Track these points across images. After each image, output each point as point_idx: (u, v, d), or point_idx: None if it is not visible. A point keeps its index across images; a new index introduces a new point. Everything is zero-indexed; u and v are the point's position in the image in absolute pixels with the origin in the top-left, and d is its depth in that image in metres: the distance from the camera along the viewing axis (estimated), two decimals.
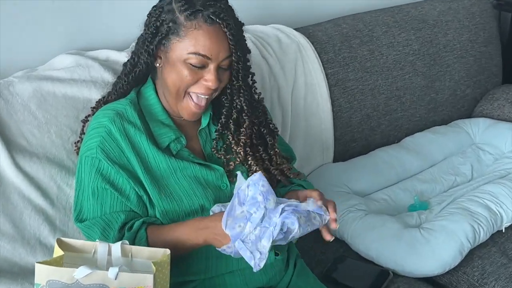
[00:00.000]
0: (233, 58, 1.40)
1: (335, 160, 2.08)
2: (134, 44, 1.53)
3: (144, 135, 1.42)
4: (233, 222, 1.26)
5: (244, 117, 1.49)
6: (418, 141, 2.19)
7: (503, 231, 1.85)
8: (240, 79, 1.44)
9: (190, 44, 1.36)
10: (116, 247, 1.24)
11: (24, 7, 1.68)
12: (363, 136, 2.14)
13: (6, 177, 1.51)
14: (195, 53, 1.35)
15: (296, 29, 2.07)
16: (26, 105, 1.57)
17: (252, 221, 1.24)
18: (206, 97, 1.41)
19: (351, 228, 1.80)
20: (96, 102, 1.56)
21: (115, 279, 1.14)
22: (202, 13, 1.35)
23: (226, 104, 1.48)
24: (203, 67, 1.37)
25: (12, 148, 1.52)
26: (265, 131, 1.53)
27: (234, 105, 1.48)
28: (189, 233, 1.34)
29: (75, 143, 1.56)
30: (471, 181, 2.05)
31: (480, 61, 2.39)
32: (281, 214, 1.24)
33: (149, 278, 1.15)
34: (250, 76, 1.51)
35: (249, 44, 1.88)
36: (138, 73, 1.48)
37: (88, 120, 1.51)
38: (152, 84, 1.49)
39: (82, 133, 1.52)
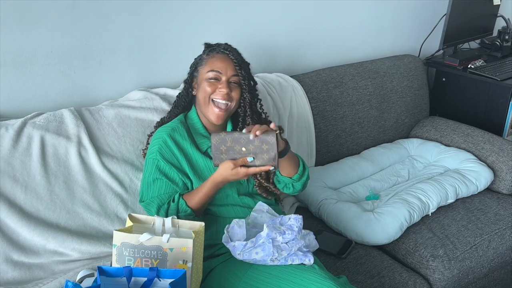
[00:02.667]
0: (240, 76, 1.40)
1: (316, 164, 2.07)
2: (169, 91, 1.58)
3: (189, 143, 1.43)
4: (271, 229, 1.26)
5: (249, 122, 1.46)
6: (372, 153, 2.17)
7: (430, 215, 1.83)
8: (247, 93, 1.42)
9: (208, 67, 1.40)
10: (168, 220, 1.25)
11: (110, 58, 1.69)
12: (335, 149, 2.13)
13: (95, 172, 1.51)
14: (211, 70, 1.39)
15: (291, 76, 2.06)
16: (110, 124, 1.58)
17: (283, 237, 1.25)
18: (223, 102, 1.39)
19: (327, 211, 1.79)
20: (157, 122, 1.56)
21: (167, 242, 1.15)
22: (216, 49, 1.42)
23: (241, 114, 1.47)
24: (217, 79, 1.39)
25: (100, 152, 1.53)
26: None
27: (247, 114, 1.46)
28: (209, 188, 1.35)
29: (142, 150, 1.56)
30: (408, 181, 2.03)
31: (415, 100, 2.38)
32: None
33: (190, 242, 1.16)
34: (258, 101, 1.50)
35: (260, 85, 1.90)
36: (184, 100, 1.50)
37: (151, 135, 1.52)
38: (195, 110, 1.49)
39: (147, 143, 1.53)
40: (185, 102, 1.51)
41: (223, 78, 1.39)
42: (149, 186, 1.40)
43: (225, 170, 1.30)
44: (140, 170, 1.57)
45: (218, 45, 1.46)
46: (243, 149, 1.26)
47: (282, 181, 1.45)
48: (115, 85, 1.73)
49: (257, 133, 1.24)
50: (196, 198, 1.36)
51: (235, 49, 1.46)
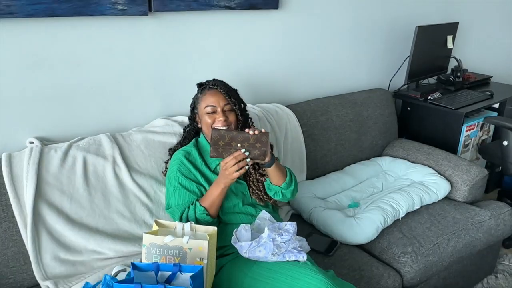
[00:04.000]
0: (231, 103, 1.41)
1: (307, 179, 2.06)
2: (186, 119, 1.59)
3: (201, 162, 1.45)
4: (272, 231, 1.27)
5: None
6: (352, 169, 2.17)
7: (400, 219, 1.84)
8: (240, 115, 1.44)
9: (204, 103, 1.42)
10: (187, 225, 1.26)
11: (137, 92, 1.71)
12: (322, 165, 2.13)
13: (127, 185, 1.53)
14: (207, 106, 1.40)
15: (286, 106, 2.07)
16: (138, 146, 1.60)
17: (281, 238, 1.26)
18: (224, 127, 1.40)
19: (316, 217, 1.79)
20: (170, 149, 1.58)
21: (187, 243, 1.17)
22: (207, 87, 1.43)
23: None
24: (214, 112, 1.40)
25: (130, 169, 1.55)
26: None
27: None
28: (214, 188, 1.34)
29: (162, 172, 1.57)
30: (382, 191, 2.03)
31: (386, 125, 2.39)
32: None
33: (205, 243, 1.17)
34: (250, 119, 1.52)
35: (259, 113, 1.92)
36: (190, 132, 1.52)
37: (168, 162, 1.54)
38: (203, 135, 1.52)
39: (166, 168, 1.54)
40: (192, 135, 1.54)
41: (218, 109, 1.41)
42: (174, 196, 1.42)
43: (220, 172, 1.33)
44: (163, 184, 1.58)
45: (207, 82, 1.46)
46: (239, 145, 1.29)
47: (272, 188, 1.47)
48: (142, 114, 1.75)
49: (255, 132, 1.28)
50: (206, 198, 1.37)
51: (222, 81, 1.47)
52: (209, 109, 1.41)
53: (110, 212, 1.48)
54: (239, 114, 1.44)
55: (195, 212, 1.35)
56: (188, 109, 1.59)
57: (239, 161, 1.29)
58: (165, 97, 1.80)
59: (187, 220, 1.37)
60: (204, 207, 1.35)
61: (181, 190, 1.41)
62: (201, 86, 1.48)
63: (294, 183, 1.47)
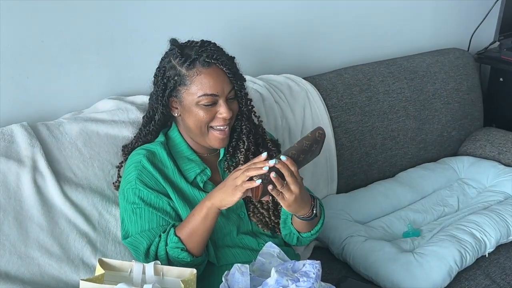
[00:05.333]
0: (236, 88, 1.43)
1: (338, 191, 2.08)
2: (147, 100, 1.57)
3: (173, 171, 1.46)
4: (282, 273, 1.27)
5: (244, 139, 1.51)
6: (410, 176, 2.18)
7: (487, 256, 1.83)
8: (244, 104, 1.47)
9: (197, 89, 1.40)
10: (150, 267, 1.25)
11: (73, 59, 1.71)
12: (362, 171, 2.14)
13: (55, 204, 1.52)
14: (204, 95, 1.39)
15: (304, 78, 2.08)
16: (74, 143, 1.59)
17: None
18: (225, 126, 1.43)
19: (353, 251, 1.79)
20: (123, 147, 1.59)
21: None
22: (198, 60, 1.40)
23: (237, 129, 1.51)
24: (214, 104, 1.41)
25: (60, 179, 1.54)
26: (262, 151, 1.52)
27: (244, 127, 1.51)
28: (198, 208, 1.35)
29: (113, 183, 1.58)
30: (457, 212, 2.04)
31: (464, 107, 2.40)
32: None
33: None
34: (249, 101, 1.53)
35: (263, 90, 1.94)
36: (158, 122, 1.52)
37: (122, 166, 1.55)
38: (176, 128, 1.52)
39: (119, 176, 1.55)
40: (159, 126, 1.53)
41: (221, 100, 1.41)
42: (134, 220, 1.42)
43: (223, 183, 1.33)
44: (113, 202, 1.58)
45: (196, 51, 1.41)
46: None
47: (288, 227, 1.49)
48: (79, 93, 1.74)
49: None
50: (185, 224, 1.36)
51: (219, 48, 1.45)
52: (206, 100, 1.40)
53: (28, 248, 1.47)
54: (244, 103, 1.46)
55: (166, 243, 1.37)
56: (151, 84, 1.57)
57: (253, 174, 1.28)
58: (116, 66, 1.79)
59: (156, 258, 1.37)
60: (179, 237, 1.36)
61: (145, 209, 1.41)
62: (184, 53, 1.43)
63: (322, 226, 1.49)
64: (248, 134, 1.51)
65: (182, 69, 1.41)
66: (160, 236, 1.39)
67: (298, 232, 1.48)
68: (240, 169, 1.30)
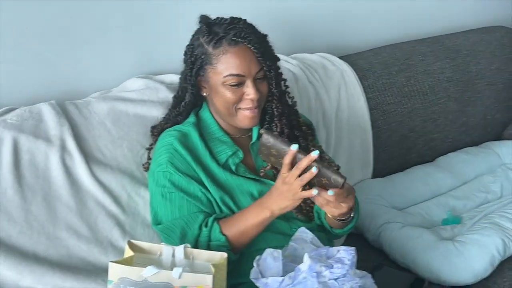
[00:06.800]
0: (265, 69, 1.42)
1: (374, 176, 2.07)
2: (177, 79, 1.58)
3: (205, 154, 1.46)
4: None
5: (276, 121, 1.50)
6: (451, 161, 2.16)
7: None
8: (274, 86, 1.46)
9: (223, 69, 1.40)
10: (179, 250, 1.26)
11: (101, 36, 1.73)
12: (401, 155, 2.13)
13: (84, 185, 1.54)
14: (230, 75, 1.39)
15: (340, 57, 2.07)
16: (102, 122, 1.60)
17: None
18: (254, 108, 1.43)
19: (389, 239, 1.79)
20: (152, 128, 1.59)
21: (179, 278, 1.16)
22: (225, 38, 1.40)
23: (269, 111, 1.50)
24: (241, 84, 1.40)
25: (89, 160, 1.56)
26: (298, 133, 1.53)
27: (275, 110, 1.49)
28: (252, 212, 1.36)
29: (143, 165, 1.59)
30: (501, 198, 2.01)
31: (509, 89, 2.36)
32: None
33: (208, 278, 1.17)
34: (283, 82, 1.52)
35: (297, 70, 1.93)
36: (188, 103, 1.52)
37: (152, 148, 1.55)
38: (207, 108, 1.53)
39: (149, 158, 1.55)
40: (190, 106, 1.54)
41: (248, 81, 1.41)
42: (165, 204, 1.43)
43: (275, 187, 1.31)
44: (142, 184, 1.59)
45: (224, 28, 1.41)
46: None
47: (321, 220, 1.50)
48: (107, 71, 1.76)
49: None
50: (234, 223, 1.37)
51: (250, 25, 1.44)
52: (232, 80, 1.40)
53: (57, 229, 1.49)
54: (274, 84, 1.45)
55: (209, 240, 1.38)
56: (181, 64, 1.57)
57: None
58: (146, 44, 1.80)
59: (194, 246, 1.36)
60: (227, 237, 1.36)
61: (176, 194, 1.42)
62: (214, 35, 1.42)
63: (356, 221, 1.49)
64: (281, 116, 1.50)
65: (209, 47, 1.42)
66: (200, 228, 1.39)
67: (330, 227, 1.48)
68: (289, 172, 1.27)
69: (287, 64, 1.94)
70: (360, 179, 2.04)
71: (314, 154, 1.24)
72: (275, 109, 1.49)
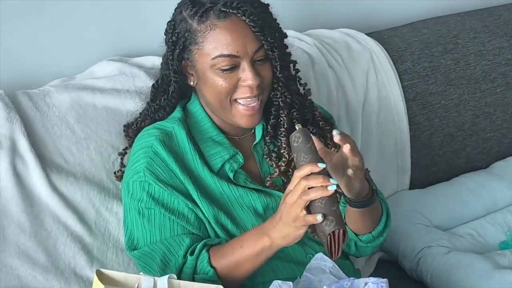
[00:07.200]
0: (266, 47, 1.40)
1: (412, 186, 2.07)
2: (160, 64, 1.58)
3: (194, 158, 1.45)
4: None
5: (282, 115, 1.48)
6: (510, 167, 2.15)
7: None
8: (279, 69, 1.44)
9: (211, 48, 1.39)
10: (163, 282, 1.25)
11: (61, 9, 1.73)
12: (445, 159, 2.12)
13: (40, 199, 1.53)
14: (220, 56, 1.39)
15: (368, 34, 2.07)
16: (64, 118, 1.60)
17: None
18: (254, 98, 1.42)
19: (431, 268, 1.78)
20: (126, 127, 1.60)
21: None
22: (212, 10, 1.39)
23: (275, 102, 1.49)
24: (234, 67, 1.40)
25: (47, 166, 1.55)
26: (314, 130, 1.52)
27: (281, 100, 1.48)
28: (250, 239, 1.34)
29: (115, 172, 1.59)
30: None
31: None
32: None
33: None
34: (292, 65, 1.53)
35: (313, 51, 1.92)
36: (172, 95, 1.53)
37: (127, 153, 1.56)
38: (197, 99, 1.52)
39: (122, 165, 1.56)
40: (172, 95, 1.54)
41: (244, 63, 1.40)
42: (142, 224, 1.42)
43: (278, 214, 1.29)
44: (113, 196, 1.60)
45: None
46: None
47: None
48: (70, 52, 1.77)
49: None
50: (227, 253, 1.36)
51: None
52: (223, 61, 1.40)
53: (5, 253, 1.49)
54: (278, 67, 1.44)
55: (194, 271, 1.38)
56: (164, 41, 1.58)
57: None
58: (119, 20, 1.81)
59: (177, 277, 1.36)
60: (216, 269, 1.36)
61: (155, 211, 1.42)
62: (196, 1, 1.43)
63: (386, 233, 1.48)
64: (290, 108, 1.49)
65: (193, 22, 1.41)
66: (185, 257, 1.38)
67: (355, 234, 1.46)
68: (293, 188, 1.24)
69: (300, 42, 1.93)
70: (394, 191, 2.04)
71: (331, 189, 1.21)
72: (280, 99, 1.48)
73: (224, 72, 1.40)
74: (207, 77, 1.42)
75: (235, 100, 1.42)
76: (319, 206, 1.22)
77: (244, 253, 1.35)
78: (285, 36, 1.50)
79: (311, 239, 1.50)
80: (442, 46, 2.11)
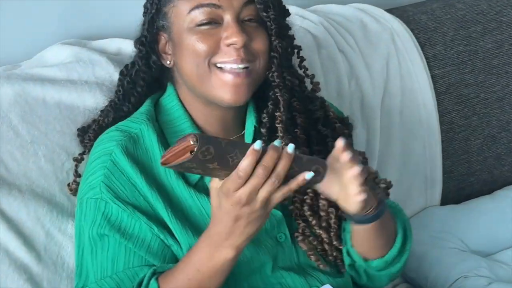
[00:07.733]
0: (258, 5, 1.41)
1: (444, 202, 2.08)
2: (127, 45, 1.62)
3: (165, 168, 1.44)
4: None
5: (277, 113, 1.47)
6: None
7: None
8: (276, 34, 1.44)
9: (186, 1, 1.41)
10: None
11: None
12: (486, 167, 2.14)
13: None
14: (196, 7, 1.40)
15: (388, 11, 2.09)
16: (5, 117, 1.61)
17: None
18: (241, 66, 1.40)
19: None
20: (80, 131, 1.61)
21: None
22: None
23: (272, 97, 1.48)
24: (216, 23, 1.40)
25: None
26: (326, 132, 1.52)
27: (278, 79, 1.47)
28: (208, 259, 1.32)
29: (68, 184, 1.59)
30: None
31: None
32: None
33: None
34: (296, 51, 1.55)
35: (320, 31, 1.94)
36: (143, 78, 1.54)
37: (83, 159, 1.56)
38: (174, 92, 1.52)
39: (77, 175, 1.56)
40: (144, 90, 1.55)
41: (227, 15, 1.40)
42: (93, 253, 1.42)
43: (219, 199, 1.27)
44: (67, 214, 1.60)
45: None
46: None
47: (353, 255, 1.49)
48: (15, 34, 1.78)
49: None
50: (176, 278, 1.35)
51: None
52: (203, 14, 1.41)
53: None
54: (274, 34, 1.46)
55: None
56: (133, 23, 1.59)
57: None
58: None
59: None
60: None
61: (111, 239, 1.41)
62: None
63: (404, 258, 1.49)
64: (290, 96, 1.49)
65: None
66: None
67: (363, 259, 1.47)
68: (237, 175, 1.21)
69: (303, 21, 1.95)
70: (422, 207, 2.06)
71: (290, 149, 1.21)
72: (277, 77, 1.46)
73: (203, 27, 1.40)
74: (184, 41, 1.43)
75: (215, 65, 1.41)
76: (296, 171, 1.23)
77: (199, 274, 1.33)
78: (288, 13, 1.52)
79: (314, 268, 1.51)
80: (481, 25, 2.13)
